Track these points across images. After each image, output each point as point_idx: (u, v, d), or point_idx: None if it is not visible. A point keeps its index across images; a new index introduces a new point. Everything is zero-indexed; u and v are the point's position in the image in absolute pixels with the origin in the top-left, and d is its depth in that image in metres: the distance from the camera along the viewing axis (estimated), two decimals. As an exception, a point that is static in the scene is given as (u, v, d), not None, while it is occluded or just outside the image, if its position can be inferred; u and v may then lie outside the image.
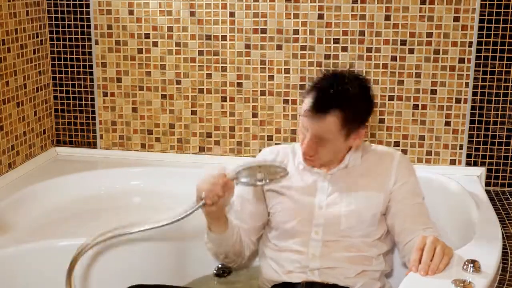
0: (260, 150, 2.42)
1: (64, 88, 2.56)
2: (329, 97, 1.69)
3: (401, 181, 1.80)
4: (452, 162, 2.36)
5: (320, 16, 2.31)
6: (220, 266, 2.16)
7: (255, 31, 2.37)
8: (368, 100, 1.77)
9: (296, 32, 2.34)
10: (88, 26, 2.48)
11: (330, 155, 1.76)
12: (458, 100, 2.30)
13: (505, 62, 2.24)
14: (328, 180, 1.81)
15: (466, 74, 2.28)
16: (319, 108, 1.68)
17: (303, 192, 1.82)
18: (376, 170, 1.82)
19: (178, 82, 2.47)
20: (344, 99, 1.69)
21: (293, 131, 2.42)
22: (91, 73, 2.53)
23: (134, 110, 2.53)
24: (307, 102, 1.70)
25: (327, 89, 1.69)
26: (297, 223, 1.80)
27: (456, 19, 2.24)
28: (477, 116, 2.30)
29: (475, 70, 2.26)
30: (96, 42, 2.49)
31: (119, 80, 2.51)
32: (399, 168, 1.81)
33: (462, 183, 2.17)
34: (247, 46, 2.38)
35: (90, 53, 2.51)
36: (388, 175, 1.80)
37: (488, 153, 2.32)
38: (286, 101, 2.41)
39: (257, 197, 1.89)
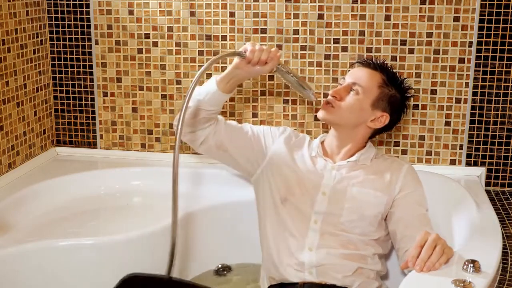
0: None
1: (64, 88, 2.56)
2: (380, 62, 1.94)
3: (406, 190, 1.82)
4: (452, 162, 2.36)
5: (320, 16, 2.31)
6: (220, 265, 2.17)
7: (255, 31, 2.37)
8: (403, 101, 1.95)
9: (296, 32, 2.34)
10: (88, 26, 2.48)
11: (351, 109, 1.84)
12: (458, 100, 2.30)
13: (505, 62, 2.24)
14: (336, 170, 1.84)
15: (466, 74, 2.28)
16: (372, 63, 1.91)
17: (311, 174, 1.85)
18: (384, 174, 1.84)
19: (178, 82, 2.47)
20: (391, 74, 1.92)
21: (293, 131, 2.42)
22: (91, 73, 2.53)
23: (134, 110, 2.53)
24: (357, 65, 1.94)
25: (376, 60, 1.96)
26: (299, 198, 1.81)
27: (456, 19, 2.24)
28: (477, 116, 2.30)
29: (475, 70, 2.26)
30: (96, 42, 2.49)
31: (119, 80, 2.51)
32: (406, 178, 1.84)
33: (462, 183, 2.17)
34: (247, 46, 2.38)
35: (90, 53, 2.51)
36: (394, 181, 1.82)
37: (488, 153, 2.32)
38: (286, 101, 2.41)
39: (257, 142, 1.96)
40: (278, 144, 1.94)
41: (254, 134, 1.96)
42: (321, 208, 1.79)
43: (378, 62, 1.94)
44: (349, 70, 1.93)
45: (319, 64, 2.35)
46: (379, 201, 1.79)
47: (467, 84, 2.28)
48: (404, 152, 2.36)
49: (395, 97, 1.90)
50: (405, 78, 2.04)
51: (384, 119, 1.88)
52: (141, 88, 2.50)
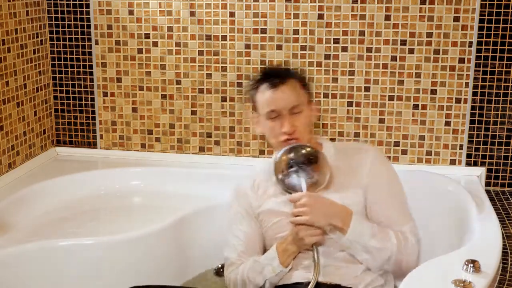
0: (260, 151, 2.44)
1: (64, 88, 2.56)
2: (279, 71, 1.88)
3: (372, 175, 1.80)
4: (452, 162, 2.36)
5: (320, 16, 2.31)
6: (220, 265, 2.17)
7: (255, 31, 2.37)
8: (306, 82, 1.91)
9: (296, 32, 2.34)
10: (88, 26, 2.48)
11: (305, 125, 1.80)
12: (458, 100, 2.30)
13: (505, 62, 2.24)
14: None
15: (466, 74, 2.28)
16: (278, 79, 1.79)
17: (287, 204, 1.78)
18: (350, 167, 1.81)
19: (178, 82, 2.47)
20: (291, 72, 1.87)
21: (293, 131, 2.42)
22: (91, 73, 2.53)
23: (134, 110, 2.53)
24: (263, 88, 1.80)
25: (273, 70, 1.90)
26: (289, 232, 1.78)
27: (456, 19, 2.24)
28: (477, 116, 2.30)
29: (475, 70, 2.26)
30: (96, 42, 2.49)
31: (119, 80, 2.51)
32: (372, 163, 1.81)
33: (462, 183, 2.17)
34: (247, 46, 2.38)
35: (90, 53, 2.51)
36: (362, 171, 1.80)
37: (488, 153, 2.32)
38: (286, 101, 2.40)
39: (252, 223, 1.88)
40: (254, 204, 1.88)
41: (250, 232, 1.87)
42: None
43: (281, 72, 1.87)
44: (251, 96, 1.85)
45: (319, 64, 2.35)
46: (356, 199, 1.77)
47: (467, 84, 2.28)
48: (404, 152, 2.36)
49: (307, 82, 1.89)
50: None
51: (315, 108, 1.88)
52: (141, 88, 2.50)
